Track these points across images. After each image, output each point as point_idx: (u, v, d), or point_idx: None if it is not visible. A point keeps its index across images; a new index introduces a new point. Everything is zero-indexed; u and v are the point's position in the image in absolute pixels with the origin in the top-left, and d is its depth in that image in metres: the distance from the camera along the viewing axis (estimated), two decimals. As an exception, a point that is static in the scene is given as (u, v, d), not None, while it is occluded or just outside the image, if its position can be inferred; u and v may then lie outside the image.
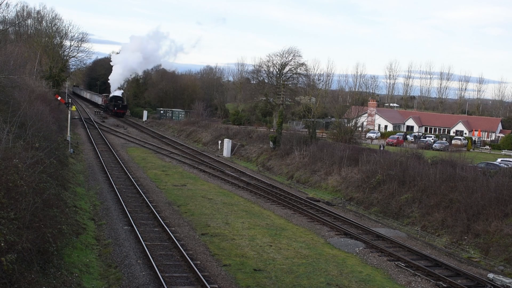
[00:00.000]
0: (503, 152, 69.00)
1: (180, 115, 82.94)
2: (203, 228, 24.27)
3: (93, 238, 21.63)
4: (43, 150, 21.02)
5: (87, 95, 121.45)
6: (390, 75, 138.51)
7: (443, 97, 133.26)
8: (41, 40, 79.87)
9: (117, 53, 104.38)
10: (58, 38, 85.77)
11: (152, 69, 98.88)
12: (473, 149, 71.99)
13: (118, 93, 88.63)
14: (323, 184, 37.98)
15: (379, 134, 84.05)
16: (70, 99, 72.80)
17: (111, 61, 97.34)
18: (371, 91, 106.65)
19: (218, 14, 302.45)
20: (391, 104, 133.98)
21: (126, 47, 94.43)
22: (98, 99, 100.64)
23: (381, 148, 49.82)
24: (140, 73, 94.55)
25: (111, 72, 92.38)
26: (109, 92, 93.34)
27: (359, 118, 60.71)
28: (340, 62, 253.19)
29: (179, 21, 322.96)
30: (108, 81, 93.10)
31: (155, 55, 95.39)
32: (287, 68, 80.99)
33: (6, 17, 66.29)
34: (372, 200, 32.67)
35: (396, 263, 21.45)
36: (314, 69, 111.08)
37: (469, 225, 25.90)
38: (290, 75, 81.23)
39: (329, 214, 29.47)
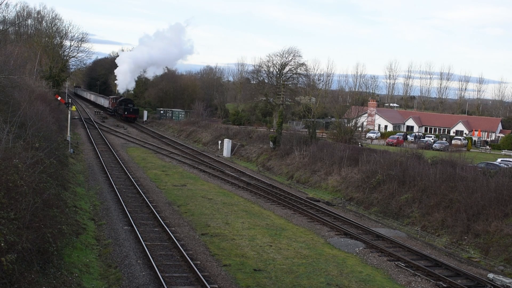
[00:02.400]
0: (503, 152, 69.00)
1: (180, 115, 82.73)
2: (203, 228, 24.27)
3: (93, 238, 21.63)
4: (43, 150, 21.02)
5: (91, 97, 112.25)
6: (390, 75, 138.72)
7: (443, 97, 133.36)
8: (41, 40, 79.87)
9: (115, 56, 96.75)
10: (58, 38, 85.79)
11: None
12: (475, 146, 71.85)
13: (128, 94, 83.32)
14: (323, 184, 37.97)
15: (379, 134, 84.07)
16: (70, 99, 72.85)
17: (118, 55, 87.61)
18: (371, 91, 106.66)
19: (219, 13, 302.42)
20: (391, 104, 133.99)
21: (162, 34, 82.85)
22: (105, 102, 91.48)
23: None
24: (165, 69, 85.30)
25: (111, 72, 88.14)
26: (111, 93, 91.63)
27: (359, 118, 60.68)
28: (340, 62, 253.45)
29: (179, 21, 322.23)
30: (116, 82, 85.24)
31: (184, 50, 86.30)
32: (287, 68, 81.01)
33: (6, 17, 66.50)
34: (372, 200, 32.67)
35: (396, 263, 21.45)
36: (314, 69, 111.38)
37: (469, 225, 25.89)
38: (290, 75, 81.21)
39: (329, 214, 29.47)
